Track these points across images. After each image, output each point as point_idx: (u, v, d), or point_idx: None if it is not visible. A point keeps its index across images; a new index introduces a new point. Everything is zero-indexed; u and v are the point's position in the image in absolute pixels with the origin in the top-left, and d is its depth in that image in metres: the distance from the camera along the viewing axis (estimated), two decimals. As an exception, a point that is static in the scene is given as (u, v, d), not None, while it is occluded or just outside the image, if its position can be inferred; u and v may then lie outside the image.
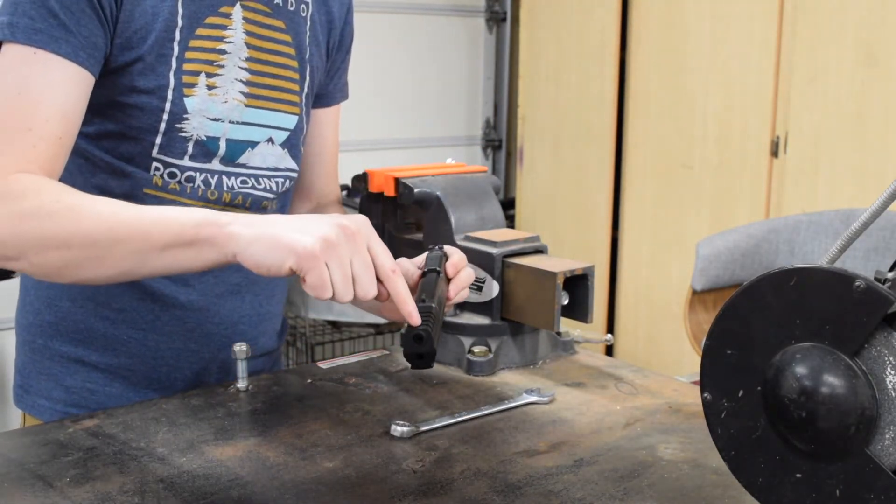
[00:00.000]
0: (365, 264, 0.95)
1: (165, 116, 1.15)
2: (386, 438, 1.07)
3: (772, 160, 3.01)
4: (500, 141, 4.33)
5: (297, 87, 1.29)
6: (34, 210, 1.01)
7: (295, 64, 1.28)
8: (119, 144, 1.17)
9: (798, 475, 0.73)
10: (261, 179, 1.26)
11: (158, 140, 1.16)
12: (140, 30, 1.12)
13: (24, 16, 1.06)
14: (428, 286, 1.05)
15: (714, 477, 0.98)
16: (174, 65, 1.15)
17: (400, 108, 4.01)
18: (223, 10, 1.19)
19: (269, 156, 1.26)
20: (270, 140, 1.26)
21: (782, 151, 2.98)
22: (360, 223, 0.97)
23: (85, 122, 1.14)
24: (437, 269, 1.09)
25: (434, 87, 4.12)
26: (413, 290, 1.05)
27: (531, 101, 3.83)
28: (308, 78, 1.31)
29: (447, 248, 1.15)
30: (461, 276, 1.10)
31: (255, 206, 1.26)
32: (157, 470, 0.98)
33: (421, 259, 1.14)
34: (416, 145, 4.03)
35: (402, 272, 1.03)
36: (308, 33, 1.30)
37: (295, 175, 1.32)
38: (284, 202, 1.34)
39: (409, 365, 0.97)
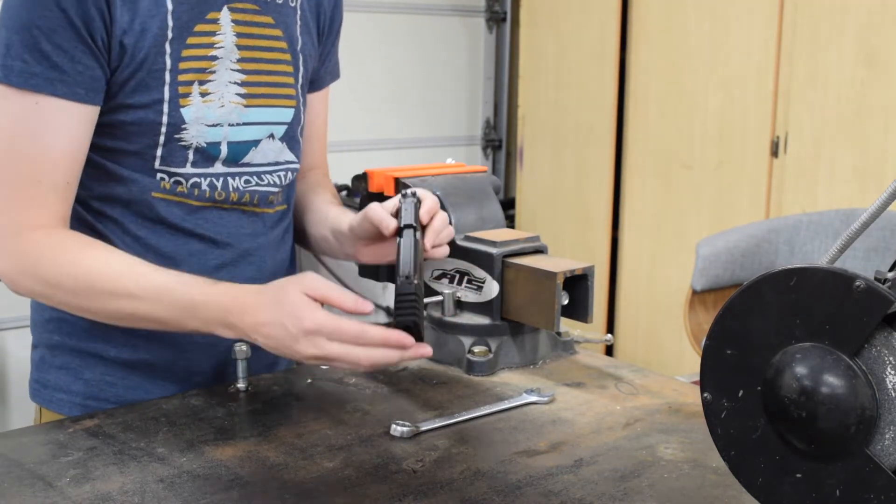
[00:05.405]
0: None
1: (164, 129, 1.16)
2: (386, 438, 1.07)
3: (772, 160, 3.01)
4: (500, 141, 4.33)
5: (292, 80, 1.29)
6: (54, 282, 1.11)
7: (288, 57, 1.28)
8: (123, 159, 1.17)
9: (798, 475, 0.73)
10: (264, 176, 1.26)
11: (159, 153, 1.17)
12: (132, 51, 1.12)
13: (17, 59, 1.07)
14: (406, 254, 1.07)
15: (714, 477, 0.98)
16: (168, 78, 1.14)
17: (400, 108, 4.01)
18: (211, 16, 1.18)
19: (269, 151, 1.27)
20: (271, 136, 1.26)
21: (782, 151, 2.97)
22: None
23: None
24: (413, 223, 1.10)
25: (434, 87, 4.12)
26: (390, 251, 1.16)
27: (531, 101, 3.83)
28: (302, 68, 1.31)
29: (419, 192, 1.18)
30: (436, 225, 1.14)
31: (263, 201, 1.27)
32: (157, 470, 0.98)
33: (392, 204, 1.18)
34: (416, 145, 4.03)
35: (373, 217, 1.15)
36: (299, 23, 1.30)
37: (296, 167, 1.32)
38: (289, 193, 1.34)
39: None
